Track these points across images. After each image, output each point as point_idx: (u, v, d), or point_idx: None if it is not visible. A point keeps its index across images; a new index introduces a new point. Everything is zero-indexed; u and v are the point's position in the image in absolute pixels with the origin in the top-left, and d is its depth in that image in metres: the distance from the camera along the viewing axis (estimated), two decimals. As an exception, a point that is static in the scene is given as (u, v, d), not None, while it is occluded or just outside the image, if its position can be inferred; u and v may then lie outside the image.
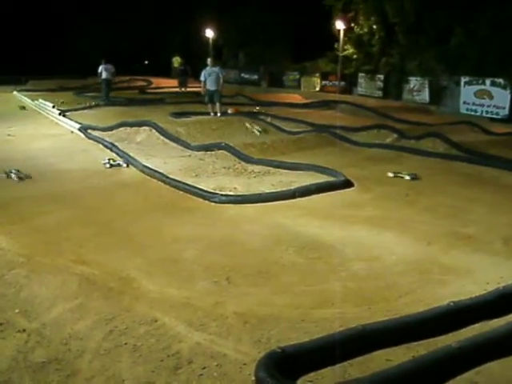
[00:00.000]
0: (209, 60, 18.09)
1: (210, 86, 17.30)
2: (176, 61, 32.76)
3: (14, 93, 28.87)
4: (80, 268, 5.84)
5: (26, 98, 25.49)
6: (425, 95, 23.41)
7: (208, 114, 17.50)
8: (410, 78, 24.12)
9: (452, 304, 4.42)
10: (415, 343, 4.12)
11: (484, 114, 20.25)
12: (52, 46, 41.09)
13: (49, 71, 36.93)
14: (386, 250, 6.42)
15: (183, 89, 29.30)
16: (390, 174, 10.40)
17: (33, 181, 9.99)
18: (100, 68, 23.65)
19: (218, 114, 17.31)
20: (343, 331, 4.10)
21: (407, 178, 10.24)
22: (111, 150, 12.48)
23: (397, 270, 5.83)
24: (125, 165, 11.26)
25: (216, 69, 17.69)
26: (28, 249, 6.42)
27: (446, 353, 3.79)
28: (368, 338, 4.07)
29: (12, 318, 4.75)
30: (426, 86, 23.27)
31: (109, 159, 11.37)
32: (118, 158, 11.66)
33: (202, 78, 17.57)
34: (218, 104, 17.44)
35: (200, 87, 18.88)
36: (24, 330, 4.54)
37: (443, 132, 14.44)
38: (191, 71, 30.39)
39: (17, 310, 4.89)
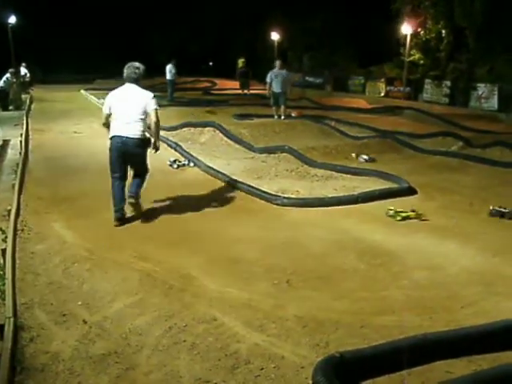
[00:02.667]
0: (277, 62, 18.16)
1: (276, 89, 17.37)
2: (241, 62, 33.02)
3: (81, 91, 29.64)
4: (141, 264, 5.95)
5: (92, 97, 26.12)
6: (493, 102, 22.85)
7: (272, 116, 17.61)
8: (479, 85, 23.59)
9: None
10: (478, 356, 4.03)
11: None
12: (120, 46, 41.97)
13: (116, 70, 37.79)
14: (448, 260, 6.30)
15: (245, 91, 29.49)
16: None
17: (98, 177, 10.20)
18: (166, 68, 24.30)
19: (282, 117, 17.37)
20: (403, 339, 4.04)
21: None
22: (175, 150, 12.63)
23: (459, 281, 5.71)
24: (192, 164, 11.32)
25: (283, 72, 17.74)
26: (91, 243, 6.59)
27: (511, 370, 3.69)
28: (428, 348, 4.00)
29: (75, 310, 4.88)
30: (496, 92, 22.73)
31: (174, 160, 11.46)
32: (183, 158, 11.76)
33: (267, 80, 17.64)
34: (282, 107, 17.49)
35: (264, 89, 18.97)
36: (85, 322, 4.66)
37: (512, 141, 14.10)
38: (252, 73, 30.60)
39: (79, 302, 5.02)
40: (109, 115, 7.57)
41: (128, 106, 7.38)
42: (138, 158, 7.59)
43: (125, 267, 5.86)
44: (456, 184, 10.19)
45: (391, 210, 8.07)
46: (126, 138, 7.32)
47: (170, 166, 11.18)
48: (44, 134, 15.40)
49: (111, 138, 7.43)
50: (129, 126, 7.32)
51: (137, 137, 7.37)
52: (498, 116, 21.88)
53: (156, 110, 7.49)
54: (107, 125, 7.61)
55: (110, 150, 7.46)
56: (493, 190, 9.74)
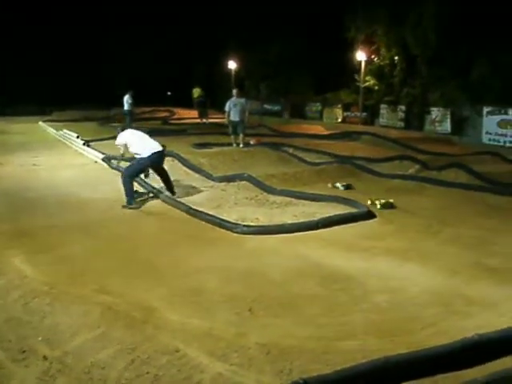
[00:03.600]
0: (234, 91, 18.25)
1: (234, 117, 17.45)
2: (196, 92, 33.10)
3: (40, 123, 29.39)
4: (103, 297, 5.88)
5: (50, 129, 25.92)
6: (447, 126, 23.39)
7: (231, 144, 17.66)
8: (432, 109, 24.15)
9: (477, 337, 4.36)
10: (440, 376, 4.06)
11: (508, 144, 20.18)
12: (77, 77, 41.77)
13: (73, 102, 37.58)
14: (408, 282, 6.38)
15: (204, 120, 29.56)
16: (329, 185, 12.12)
17: (58, 210, 10.12)
18: (124, 99, 24.31)
19: (241, 145, 17.44)
20: (366, 363, 4.05)
21: (341, 188, 11.82)
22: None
23: (420, 302, 5.78)
24: (151, 194, 11.18)
25: (242, 100, 17.84)
26: (52, 277, 6.49)
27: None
28: (391, 370, 4.02)
29: (35, 346, 4.78)
30: (448, 116, 23.27)
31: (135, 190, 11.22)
32: (142, 188, 11.61)
33: (226, 109, 17.73)
34: (241, 135, 17.57)
35: (222, 118, 19.02)
36: (46, 358, 4.56)
37: (465, 162, 14.40)
38: (210, 102, 30.70)
39: (40, 338, 4.92)
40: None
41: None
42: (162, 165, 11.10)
43: (86, 301, 5.78)
44: (414, 206, 10.35)
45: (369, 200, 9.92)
46: (162, 152, 10.75)
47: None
48: (2, 166, 15.19)
49: (152, 154, 10.39)
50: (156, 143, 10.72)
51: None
52: (452, 139, 22.44)
53: None
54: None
55: (145, 161, 10.52)
56: (450, 211, 9.95)
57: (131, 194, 10.32)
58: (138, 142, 10.61)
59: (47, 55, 41.44)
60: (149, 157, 10.42)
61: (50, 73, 41.11)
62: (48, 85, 40.05)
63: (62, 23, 41.36)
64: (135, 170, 10.68)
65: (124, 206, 10.15)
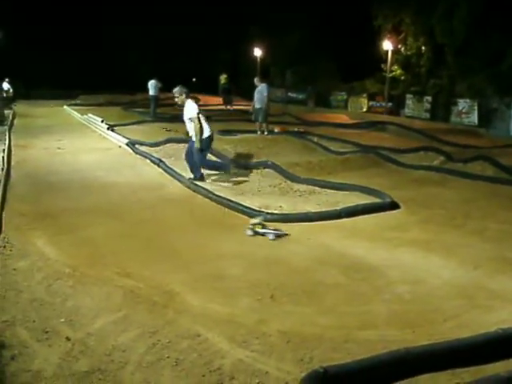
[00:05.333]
0: (255, 79, 18.18)
1: (257, 105, 17.42)
2: (223, 78, 33.11)
3: (65, 107, 29.58)
4: (124, 281, 5.93)
5: (75, 113, 26.07)
6: (474, 117, 23.13)
7: (255, 132, 17.61)
8: (459, 100, 23.89)
9: (500, 331, 4.32)
10: (461, 369, 4.04)
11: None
12: (102, 62, 41.95)
13: (99, 86, 37.76)
14: (431, 273, 6.33)
15: (229, 107, 29.54)
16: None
17: (82, 193, 10.19)
18: (148, 84, 24.23)
19: (265, 133, 17.38)
20: (387, 353, 4.04)
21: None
22: (158, 166, 12.62)
23: (442, 294, 5.73)
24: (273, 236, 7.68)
25: (261, 87, 17.75)
26: (74, 260, 6.55)
27: (494, 382, 3.70)
28: (412, 362, 4.01)
29: (57, 327, 4.83)
30: (476, 108, 23.00)
31: (254, 224, 7.94)
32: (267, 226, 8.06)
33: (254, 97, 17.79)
34: (264, 123, 17.49)
35: (246, 105, 18.99)
36: (69, 339, 4.60)
37: (492, 155, 14.21)
38: (235, 89, 30.66)
39: (62, 319, 4.97)
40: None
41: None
42: None
43: (108, 284, 5.83)
44: (438, 198, 10.27)
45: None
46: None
47: (252, 234, 7.78)
48: (27, 150, 15.35)
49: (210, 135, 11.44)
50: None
51: None
52: (479, 131, 22.14)
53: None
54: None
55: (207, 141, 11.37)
56: (474, 204, 9.82)
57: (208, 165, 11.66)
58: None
59: (75, 40, 41.66)
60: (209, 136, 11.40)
61: (74, 57, 41.33)
62: (73, 68, 40.30)
63: (89, 12, 41.66)
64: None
65: (192, 180, 11.08)
